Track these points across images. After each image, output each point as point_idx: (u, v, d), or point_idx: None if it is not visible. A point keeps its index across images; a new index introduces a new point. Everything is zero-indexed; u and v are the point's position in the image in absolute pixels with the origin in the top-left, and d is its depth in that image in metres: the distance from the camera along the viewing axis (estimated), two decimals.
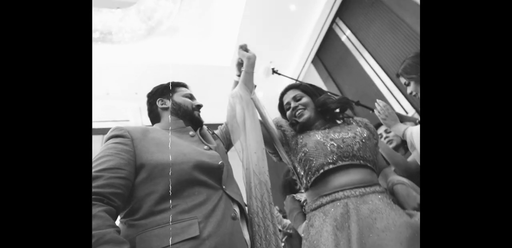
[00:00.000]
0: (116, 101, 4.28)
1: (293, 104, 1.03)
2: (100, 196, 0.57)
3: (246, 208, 0.79)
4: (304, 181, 0.87)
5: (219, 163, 0.75)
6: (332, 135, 0.90)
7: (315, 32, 3.97)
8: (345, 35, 3.68)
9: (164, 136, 0.77)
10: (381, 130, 1.59)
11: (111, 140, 0.71)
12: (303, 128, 0.99)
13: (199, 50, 4.16)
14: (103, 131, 4.83)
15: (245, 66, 0.98)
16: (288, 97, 1.08)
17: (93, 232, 0.49)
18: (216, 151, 0.83)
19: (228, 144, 1.01)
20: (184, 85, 0.99)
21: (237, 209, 0.73)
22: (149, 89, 0.96)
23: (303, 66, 4.40)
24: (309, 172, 0.85)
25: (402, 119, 1.83)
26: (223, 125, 1.06)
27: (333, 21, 3.84)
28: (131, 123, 4.26)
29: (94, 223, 0.51)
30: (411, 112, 2.60)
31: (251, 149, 0.82)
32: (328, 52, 4.07)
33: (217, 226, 0.63)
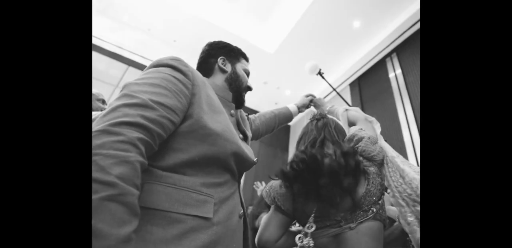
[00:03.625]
0: (153, 40, 4.29)
1: None
2: (148, 132, 0.45)
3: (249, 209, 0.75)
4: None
5: (255, 159, 0.67)
6: None
7: (367, 56, 3.89)
8: (395, 72, 3.59)
9: (216, 99, 0.66)
10: None
11: (170, 70, 0.58)
12: None
13: (250, 27, 4.11)
14: (128, 61, 4.81)
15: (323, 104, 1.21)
16: None
17: (118, 180, 0.37)
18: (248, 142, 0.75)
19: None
20: (247, 59, 0.90)
21: (242, 210, 0.64)
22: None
23: (341, 84, 4.34)
24: None
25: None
26: (253, 117, 1.00)
27: (389, 54, 3.74)
28: None
29: (125, 169, 0.39)
30: None
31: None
32: (370, 82, 4.00)
33: (227, 215, 0.55)
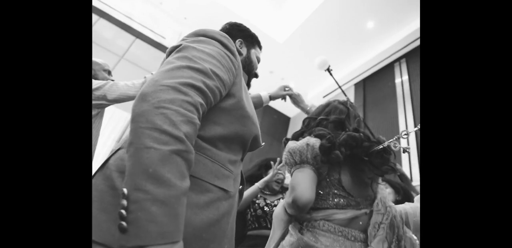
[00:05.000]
0: (164, 15, 4.19)
1: None
2: (207, 99, 0.48)
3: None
4: None
5: (263, 144, 0.71)
6: None
7: (376, 59, 3.84)
8: (401, 78, 3.58)
9: (243, 83, 0.68)
10: None
11: (221, 46, 0.60)
12: None
13: (262, 14, 4.01)
14: (136, 33, 4.67)
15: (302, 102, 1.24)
16: None
17: (185, 137, 0.39)
18: None
19: None
20: (261, 48, 0.92)
21: (241, 186, 0.68)
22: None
23: (346, 83, 4.31)
24: None
25: (410, 188, 1.77)
26: None
27: (398, 59, 3.70)
28: (165, 42, 4.17)
29: (191, 129, 0.41)
30: (417, 181, 2.46)
31: None
32: (375, 84, 3.98)
33: (236, 190, 0.59)
